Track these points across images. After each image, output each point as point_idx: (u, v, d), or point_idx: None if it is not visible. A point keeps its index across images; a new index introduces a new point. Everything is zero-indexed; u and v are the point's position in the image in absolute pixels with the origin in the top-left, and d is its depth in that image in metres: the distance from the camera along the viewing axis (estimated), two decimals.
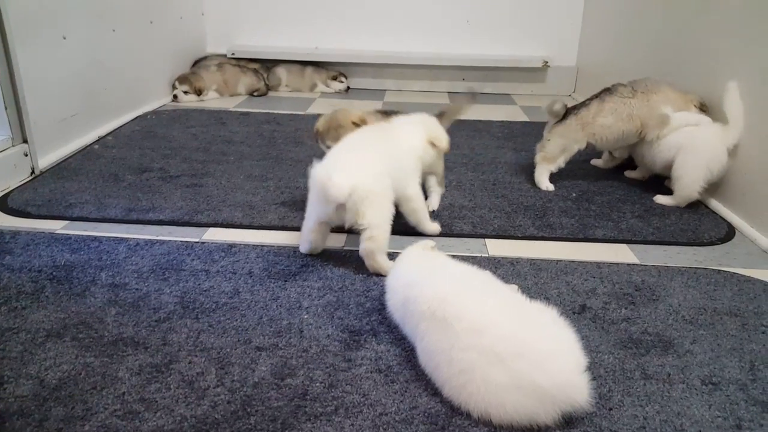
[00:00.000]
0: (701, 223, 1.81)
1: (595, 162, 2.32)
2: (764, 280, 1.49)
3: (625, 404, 1.06)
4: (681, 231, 1.75)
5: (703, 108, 1.95)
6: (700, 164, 1.84)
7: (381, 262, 1.46)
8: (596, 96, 2.06)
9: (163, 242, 1.60)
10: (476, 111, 3.17)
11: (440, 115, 1.84)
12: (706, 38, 2.06)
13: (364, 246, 1.44)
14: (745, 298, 1.41)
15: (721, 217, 1.86)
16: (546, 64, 3.51)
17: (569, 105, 2.10)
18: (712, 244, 1.70)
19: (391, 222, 1.47)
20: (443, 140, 1.67)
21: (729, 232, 1.77)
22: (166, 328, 1.23)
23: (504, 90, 3.65)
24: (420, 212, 1.64)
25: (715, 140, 1.84)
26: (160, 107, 3.02)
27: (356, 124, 1.73)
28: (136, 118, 2.77)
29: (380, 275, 1.44)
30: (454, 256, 1.36)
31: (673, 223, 1.80)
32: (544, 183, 2.07)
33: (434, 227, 1.68)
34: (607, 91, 2.04)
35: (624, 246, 1.68)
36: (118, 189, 1.94)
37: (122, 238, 1.61)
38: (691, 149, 1.87)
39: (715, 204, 1.93)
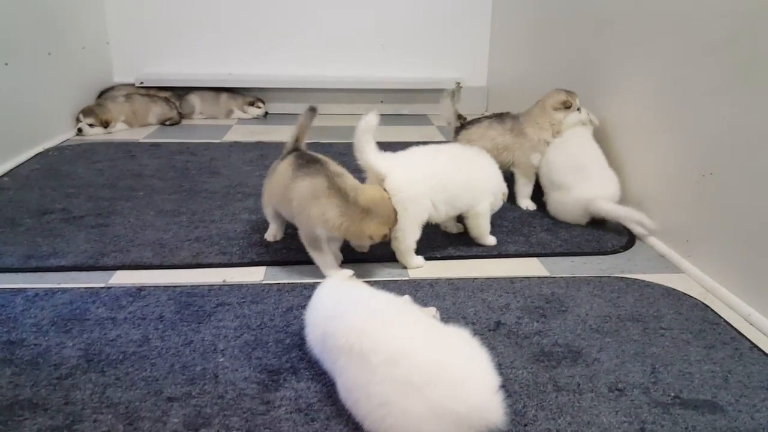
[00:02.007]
0: (605, 233, 1.91)
1: None
2: (662, 284, 1.60)
3: (539, 418, 1.09)
4: (586, 241, 1.85)
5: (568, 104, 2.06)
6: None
7: (408, 259, 1.67)
8: (489, 117, 2.19)
9: (65, 290, 1.50)
10: (395, 133, 3.22)
11: (297, 140, 1.73)
12: (604, 58, 2.21)
13: (392, 245, 1.65)
14: (645, 302, 1.51)
15: (622, 225, 1.98)
16: (459, 86, 3.62)
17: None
18: (615, 252, 1.80)
19: (421, 226, 1.66)
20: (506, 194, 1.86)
21: (630, 240, 1.88)
22: (69, 385, 1.16)
23: (421, 111, 3.74)
24: (483, 227, 1.79)
25: None
26: (63, 142, 2.86)
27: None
28: (36, 155, 2.61)
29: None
30: (375, 282, 1.37)
31: (579, 234, 1.90)
32: None
33: (492, 240, 1.82)
34: (498, 117, 2.17)
35: (534, 260, 1.75)
36: (15, 234, 1.81)
37: (19, 289, 1.50)
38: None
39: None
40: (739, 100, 1.50)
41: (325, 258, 1.59)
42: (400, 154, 1.68)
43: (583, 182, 1.92)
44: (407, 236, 1.64)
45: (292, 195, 1.55)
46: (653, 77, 1.87)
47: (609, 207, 1.87)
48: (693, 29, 1.67)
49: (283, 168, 1.63)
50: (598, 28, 2.24)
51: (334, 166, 1.58)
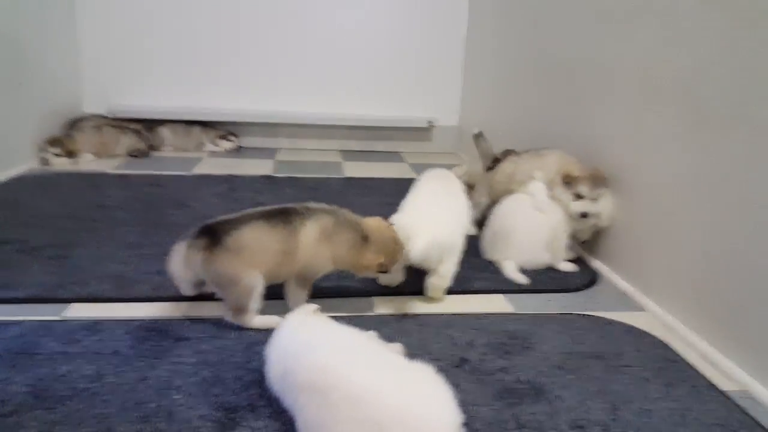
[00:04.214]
0: (569, 271, 1.94)
1: None
2: (623, 322, 1.62)
3: None
4: (551, 279, 1.87)
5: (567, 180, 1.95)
6: None
7: (441, 294, 1.70)
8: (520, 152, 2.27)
9: (17, 323, 1.44)
10: (367, 169, 3.25)
11: None
12: (570, 105, 2.29)
13: (431, 281, 1.67)
14: (607, 340, 1.52)
15: (586, 263, 2.02)
16: (431, 124, 3.70)
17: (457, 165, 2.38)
18: (578, 290, 1.83)
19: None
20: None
21: (593, 278, 1.91)
22: (13, 423, 1.10)
23: (394, 148, 3.80)
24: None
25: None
26: (26, 172, 2.80)
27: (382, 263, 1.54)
28: None
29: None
30: (342, 317, 1.35)
31: (544, 272, 1.92)
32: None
33: None
34: (512, 152, 2.28)
35: (500, 296, 1.76)
36: None
37: None
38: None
39: (581, 252, 2.09)
40: (693, 146, 1.56)
41: (305, 296, 1.57)
42: (411, 210, 1.72)
43: (497, 245, 1.97)
44: (450, 275, 1.68)
45: (296, 245, 1.46)
46: (614, 122, 1.94)
47: (508, 272, 1.89)
48: (651, 81, 1.75)
49: (262, 230, 1.46)
50: (564, 74, 2.32)
51: (315, 204, 1.56)
